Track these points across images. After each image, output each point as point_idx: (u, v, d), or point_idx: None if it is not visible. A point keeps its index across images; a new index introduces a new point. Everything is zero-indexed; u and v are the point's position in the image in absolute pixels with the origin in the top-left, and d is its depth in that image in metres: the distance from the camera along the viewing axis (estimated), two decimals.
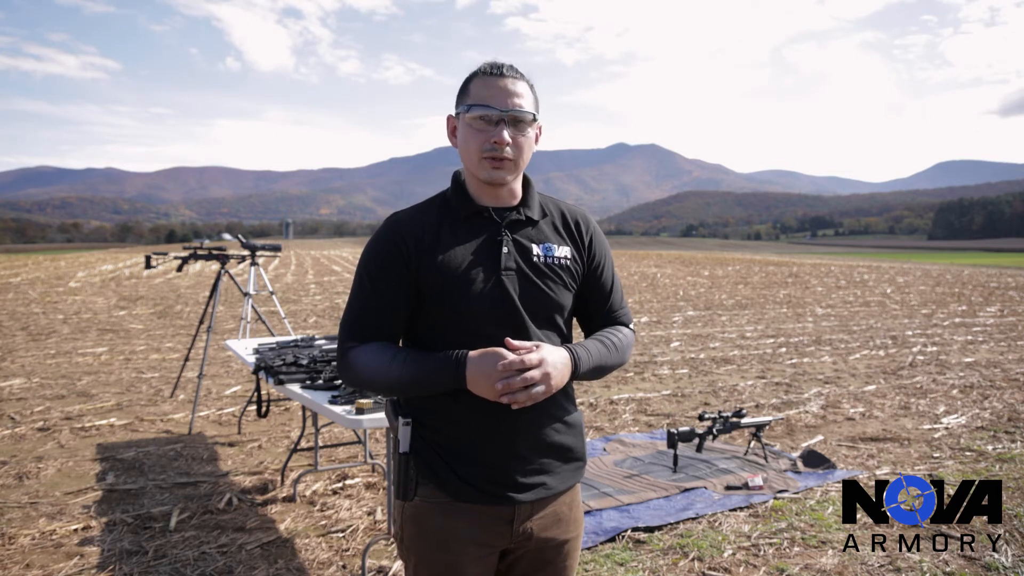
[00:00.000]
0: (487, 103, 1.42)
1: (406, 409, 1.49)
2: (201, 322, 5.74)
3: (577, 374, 1.45)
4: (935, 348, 9.08)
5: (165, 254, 6.42)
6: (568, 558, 1.56)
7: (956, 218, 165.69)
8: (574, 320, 1.62)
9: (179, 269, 5.91)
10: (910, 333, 10.50)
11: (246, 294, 5.65)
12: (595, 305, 1.60)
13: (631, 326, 1.65)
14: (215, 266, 20.54)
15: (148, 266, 6.03)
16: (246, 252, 5.67)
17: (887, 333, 10.49)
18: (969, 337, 10.09)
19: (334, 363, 2.63)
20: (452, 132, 1.51)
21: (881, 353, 8.73)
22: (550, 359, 1.38)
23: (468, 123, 1.44)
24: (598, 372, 1.51)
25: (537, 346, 1.39)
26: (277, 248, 5.70)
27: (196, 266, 20.89)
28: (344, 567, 3.00)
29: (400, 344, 1.54)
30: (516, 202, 1.52)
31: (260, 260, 7.60)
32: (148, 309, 12.58)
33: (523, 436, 1.45)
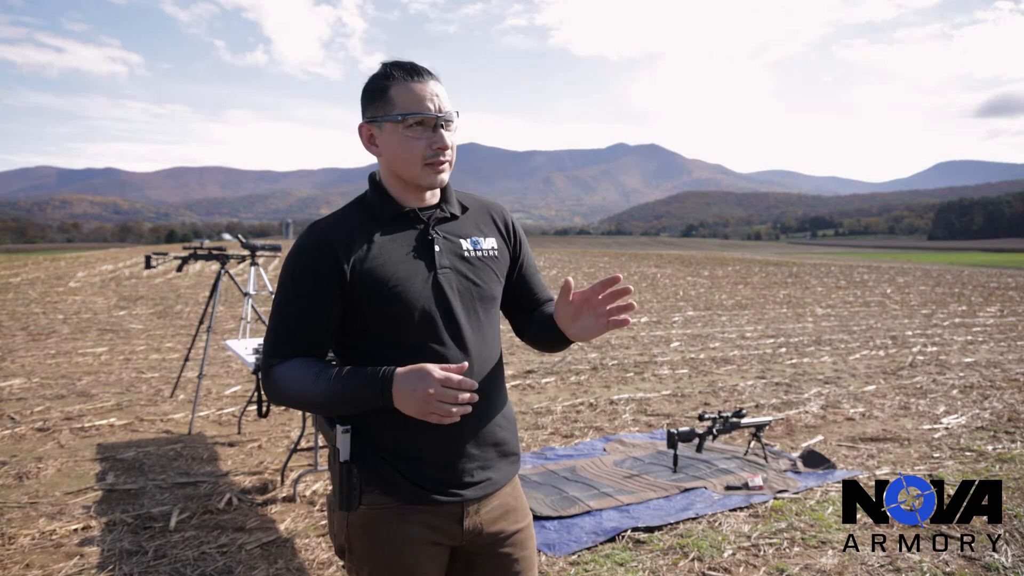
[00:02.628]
0: (421, 110, 1.40)
1: (343, 417, 1.45)
2: (201, 322, 5.74)
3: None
4: (935, 348, 9.08)
5: (165, 254, 6.42)
6: (524, 548, 1.57)
7: (956, 218, 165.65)
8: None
9: (179, 269, 5.91)
10: (910, 333, 10.50)
11: (246, 294, 5.65)
12: (526, 293, 1.65)
13: (553, 300, 1.71)
14: (215, 266, 20.54)
15: (148, 266, 6.03)
16: (246, 252, 5.67)
17: (887, 333, 10.49)
18: (969, 337, 10.09)
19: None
20: (370, 140, 1.46)
21: (881, 353, 8.73)
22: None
23: (403, 132, 1.41)
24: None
25: (469, 365, 1.39)
26: (277, 248, 5.69)
27: (196, 266, 20.89)
28: (344, 567, 3.00)
29: (330, 356, 1.51)
30: (437, 200, 1.52)
31: (260, 260, 7.60)
32: (148, 309, 12.58)
33: (469, 435, 1.46)
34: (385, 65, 1.43)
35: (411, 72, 1.41)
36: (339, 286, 1.40)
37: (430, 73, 1.43)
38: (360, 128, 1.47)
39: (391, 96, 1.41)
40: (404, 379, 1.33)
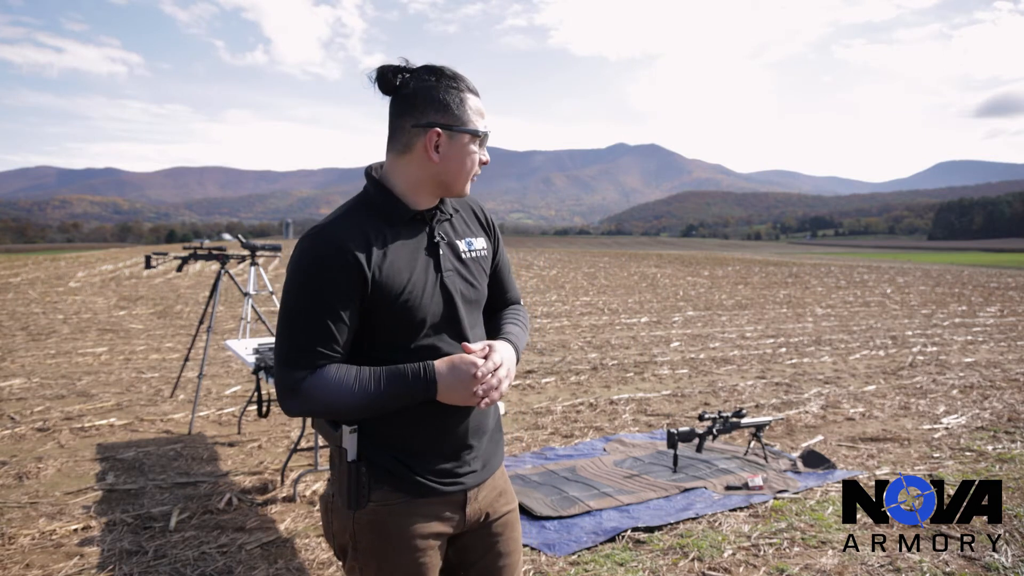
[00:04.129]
0: (484, 127, 1.47)
1: None
2: (201, 322, 5.74)
3: (517, 362, 1.55)
4: (935, 348, 9.08)
5: (165, 254, 6.41)
6: (513, 529, 1.63)
7: (956, 218, 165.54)
8: None
9: (179, 269, 5.91)
10: (910, 333, 10.50)
11: (246, 294, 5.65)
12: (498, 289, 1.68)
13: (520, 301, 1.76)
14: (215, 266, 20.53)
15: (148, 266, 6.03)
16: (246, 252, 5.67)
17: (887, 333, 10.49)
18: (969, 337, 10.09)
19: None
20: (434, 147, 1.42)
21: (881, 353, 8.73)
22: (507, 357, 1.45)
23: (469, 146, 1.45)
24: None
25: (491, 347, 1.44)
26: (277, 248, 5.69)
27: (196, 266, 20.88)
28: (345, 567, 3.00)
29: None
30: (437, 201, 1.54)
31: (260, 260, 7.60)
32: (148, 309, 12.58)
33: (468, 426, 1.51)
34: (452, 74, 1.43)
35: (472, 87, 1.46)
36: (360, 292, 1.38)
37: None
38: (431, 133, 1.41)
39: (469, 108, 1.44)
40: (448, 372, 1.39)
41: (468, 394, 1.39)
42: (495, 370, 1.41)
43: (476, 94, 1.46)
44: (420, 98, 1.41)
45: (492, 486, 1.59)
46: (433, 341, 1.45)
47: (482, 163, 1.50)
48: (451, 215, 1.55)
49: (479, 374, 1.38)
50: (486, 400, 1.39)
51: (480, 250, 1.57)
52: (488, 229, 1.63)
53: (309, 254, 1.37)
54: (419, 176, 1.45)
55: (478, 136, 1.46)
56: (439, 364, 1.40)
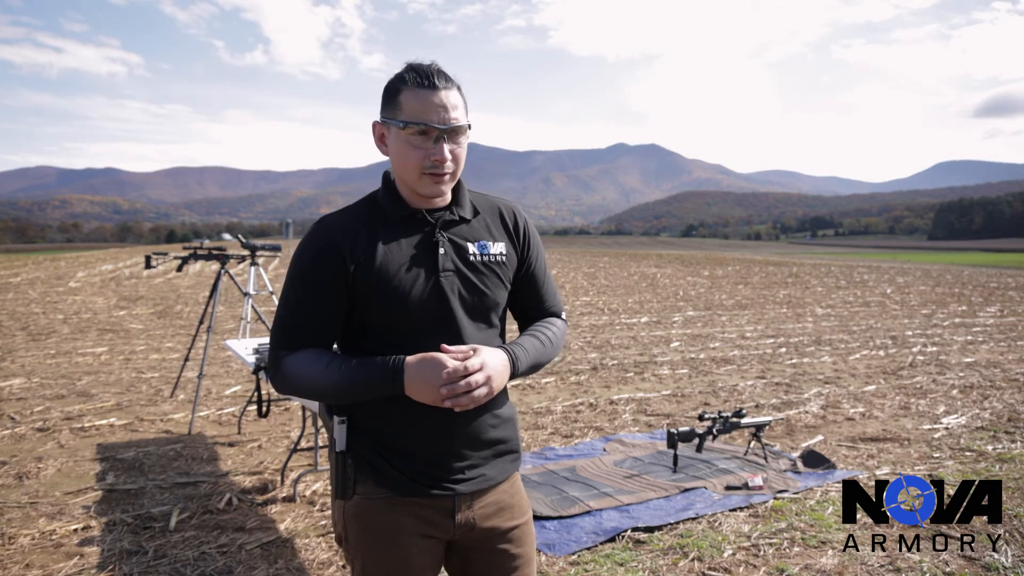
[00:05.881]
0: (424, 120, 1.38)
1: (341, 408, 1.49)
2: (201, 322, 5.74)
3: (516, 374, 1.48)
4: (935, 348, 9.08)
5: (165, 254, 6.41)
6: (521, 544, 1.57)
7: (956, 218, 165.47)
8: (508, 313, 1.64)
9: (179, 269, 5.91)
10: (910, 333, 10.50)
11: (246, 294, 5.65)
12: (528, 299, 1.63)
13: (563, 316, 1.69)
14: (215, 266, 20.52)
15: (148, 266, 6.03)
16: (246, 252, 5.67)
17: (887, 333, 10.49)
18: (969, 337, 10.09)
19: None
20: (380, 139, 1.47)
21: (881, 353, 8.73)
22: (490, 362, 1.39)
23: (404, 139, 1.41)
24: (534, 368, 1.54)
25: (475, 350, 1.40)
26: (277, 248, 5.70)
27: (196, 266, 20.88)
28: (344, 567, 3.01)
29: (335, 349, 1.53)
30: (447, 202, 1.51)
31: (260, 260, 7.60)
32: (148, 309, 12.58)
33: (459, 433, 1.47)
34: (406, 66, 1.42)
35: (423, 79, 1.39)
36: (343, 282, 1.42)
37: (446, 81, 1.41)
38: (374, 125, 1.48)
39: (400, 101, 1.41)
40: (416, 369, 1.36)
41: (429, 393, 1.35)
42: (469, 374, 1.35)
43: (423, 86, 1.39)
44: (381, 96, 1.46)
45: (494, 500, 1.54)
46: (422, 340, 1.42)
47: (433, 159, 1.40)
48: (465, 218, 1.52)
49: (444, 374, 1.34)
50: (451, 403, 1.35)
51: (497, 255, 1.52)
52: (515, 234, 1.57)
53: (303, 244, 1.47)
54: (395, 172, 1.49)
55: (404, 128, 1.39)
56: (410, 358, 1.38)
